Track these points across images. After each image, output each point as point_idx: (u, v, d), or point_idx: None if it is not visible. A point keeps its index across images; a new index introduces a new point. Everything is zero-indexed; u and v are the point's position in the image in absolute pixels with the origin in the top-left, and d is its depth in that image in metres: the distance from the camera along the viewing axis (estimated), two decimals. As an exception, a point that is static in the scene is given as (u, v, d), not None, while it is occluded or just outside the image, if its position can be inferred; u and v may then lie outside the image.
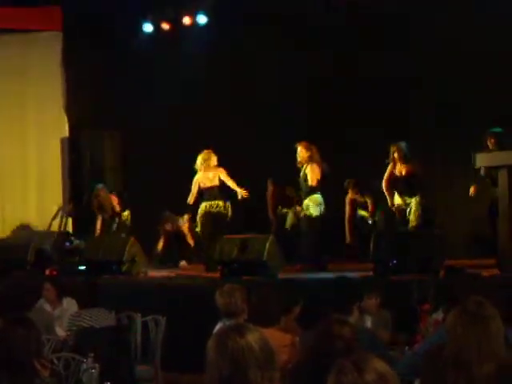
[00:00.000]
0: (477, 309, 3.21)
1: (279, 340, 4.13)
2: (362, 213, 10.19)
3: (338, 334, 3.59)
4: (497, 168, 7.22)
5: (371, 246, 7.50)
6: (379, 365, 2.24)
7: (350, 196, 10.25)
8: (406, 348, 4.44)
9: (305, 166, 8.79)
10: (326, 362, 2.63)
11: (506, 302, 4.20)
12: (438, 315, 4.78)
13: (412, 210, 8.86)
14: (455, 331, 3.20)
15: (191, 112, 10.28)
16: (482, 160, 7.45)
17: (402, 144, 8.82)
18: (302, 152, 8.77)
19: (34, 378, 3.79)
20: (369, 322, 4.62)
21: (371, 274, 7.29)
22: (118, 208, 9.81)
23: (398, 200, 8.97)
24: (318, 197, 8.77)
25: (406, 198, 8.88)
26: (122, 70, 10.78)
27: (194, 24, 10.64)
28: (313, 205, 8.75)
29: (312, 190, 8.77)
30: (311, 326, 4.09)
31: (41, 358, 3.84)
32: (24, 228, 10.52)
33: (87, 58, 10.71)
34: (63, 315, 6.08)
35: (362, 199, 10.16)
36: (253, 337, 2.71)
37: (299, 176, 8.88)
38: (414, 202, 8.91)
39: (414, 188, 8.90)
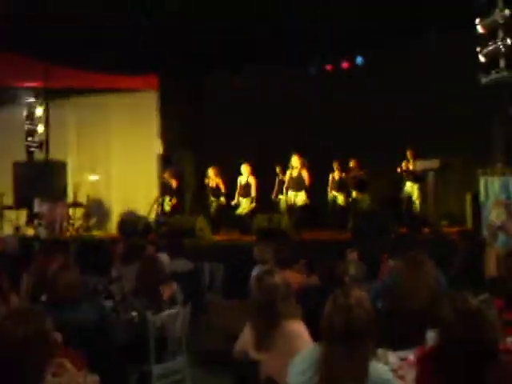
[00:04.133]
0: (416, 257, 3.21)
1: (293, 278, 4.16)
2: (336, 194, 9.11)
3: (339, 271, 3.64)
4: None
5: (351, 220, 7.45)
6: (358, 293, 2.26)
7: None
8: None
9: (299, 169, 8.52)
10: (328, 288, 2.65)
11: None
12: (393, 262, 4.75)
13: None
14: (400, 271, 3.20)
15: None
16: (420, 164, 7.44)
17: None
18: (298, 159, 8.50)
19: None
20: (353, 269, 4.63)
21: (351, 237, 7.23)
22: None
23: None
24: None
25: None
26: (199, 114, 10.59)
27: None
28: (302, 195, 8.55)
29: (304, 188, 8.56)
30: (313, 271, 4.12)
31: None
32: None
33: (177, 109, 10.49)
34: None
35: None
36: (278, 277, 2.77)
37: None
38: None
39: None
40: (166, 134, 10.82)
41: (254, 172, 9.12)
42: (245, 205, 9.06)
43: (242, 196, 9.13)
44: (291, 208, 8.59)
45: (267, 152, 9.51)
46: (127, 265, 4.67)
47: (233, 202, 9.16)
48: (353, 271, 4.62)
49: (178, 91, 10.53)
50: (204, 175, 9.58)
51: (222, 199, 9.43)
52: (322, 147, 9.12)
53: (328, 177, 9.33)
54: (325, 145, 9.23)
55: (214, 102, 10.66)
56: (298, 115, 9.67)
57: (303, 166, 8.61)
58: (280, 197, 9.29)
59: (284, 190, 8.85)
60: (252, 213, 8.91)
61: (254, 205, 9.05)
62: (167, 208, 9.84)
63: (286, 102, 9.70)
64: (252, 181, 9.06)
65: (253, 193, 9.04)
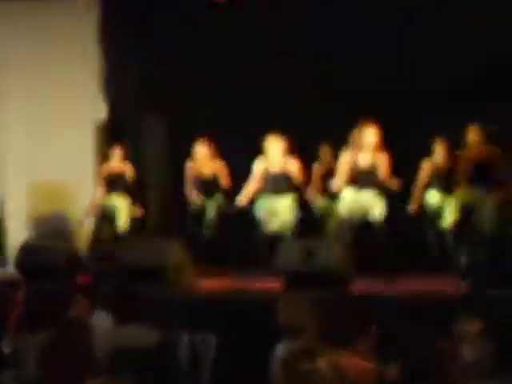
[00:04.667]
0: None
1: (353, 365, 4.18)
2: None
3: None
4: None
5: (464, 256, 7.45)
6: None
7: None
8: None
9: (373, 153, 8.55)
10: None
11: None
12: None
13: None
14: None
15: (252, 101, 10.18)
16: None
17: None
18: (375, 135, 8.47)
19: None
20: (470, 352, 4.63)
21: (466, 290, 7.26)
22: None
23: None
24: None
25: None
26: (173, 46, 10.78)
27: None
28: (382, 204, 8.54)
29: (382, 187, 8.54)
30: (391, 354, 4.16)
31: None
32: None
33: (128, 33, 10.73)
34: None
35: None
36: (324, 362, 2.81)
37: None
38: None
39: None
40: (115, 85, 10.93)
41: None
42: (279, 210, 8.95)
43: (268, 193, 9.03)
44: (353, 229, 8.60)
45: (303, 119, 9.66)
46: (32, 332, 4.73)
47: (240, 201, 9.06)
48: (470, 355, 4.68)
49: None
50: (186, 156, 9.71)
51: (222, 202, 9.50)
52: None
53: (412, 165, 9.34)
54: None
55: (200, 27, 10.75)
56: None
57: (380, 145, 8.54)
58: (321, 203, 9.32)
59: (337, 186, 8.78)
60: (300, 231, 8.86)
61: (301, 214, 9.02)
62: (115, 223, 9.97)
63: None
64: (292, 164, 8.97)
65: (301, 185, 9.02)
